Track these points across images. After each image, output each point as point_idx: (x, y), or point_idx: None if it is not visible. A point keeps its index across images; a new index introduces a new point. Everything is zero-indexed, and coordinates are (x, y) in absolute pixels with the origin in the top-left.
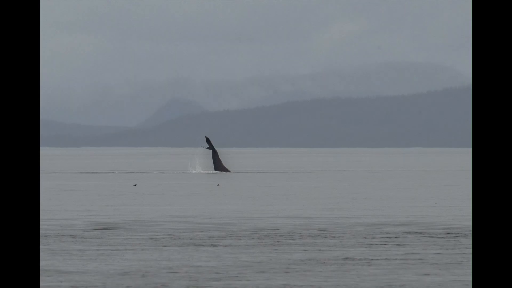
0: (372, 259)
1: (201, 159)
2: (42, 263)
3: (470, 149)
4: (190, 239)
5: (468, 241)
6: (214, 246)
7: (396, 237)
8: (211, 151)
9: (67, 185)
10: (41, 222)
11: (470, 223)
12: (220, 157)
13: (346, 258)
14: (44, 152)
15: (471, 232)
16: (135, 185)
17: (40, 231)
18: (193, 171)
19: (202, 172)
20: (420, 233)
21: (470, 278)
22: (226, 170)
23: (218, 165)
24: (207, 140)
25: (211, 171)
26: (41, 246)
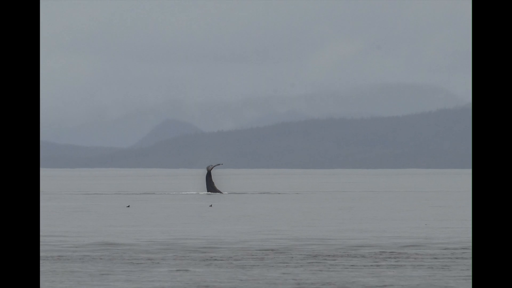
0: (356, 281)
1: (194, 180)
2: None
3: (465, 170)
4: (182, 259)
5: (459, 262)
6: (207, 266)
7: (385, 258)
8: (206, 172)
9: (59, 206)
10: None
11: (460, 244)
12: (213, 179)
13: (329, 283)
14: None
15: (461, 252)
16: (128, 206)
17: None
18: (186, 192)
19: (194, 193)
20: (412, 253)
21: None
22: (218, 192)
23: (211, 187)
24: (217, 165)
25: (204, 192)
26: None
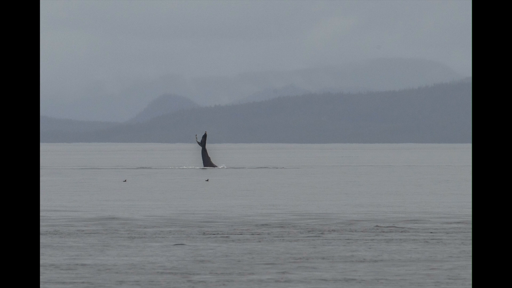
0: (353, 255)
1: (190, 155)
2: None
3: (462, 145)
4: (178, 234)
5: (456, 236)
6: (204, 240)
7: (382, 232)
8: (201, 148)
9: (55, 181)
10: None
11: (457, 219)
12: (209, 154)
13: (325, 257)
14: None
15: (458, 227)
16: (125, 180)
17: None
18: (183, 167)
19: (191, 168)
20: (408, 228)
21: (461, 274)
22: (214, 166)
23: (207, 161)
24: (204, 136)
25: (200, 167)
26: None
